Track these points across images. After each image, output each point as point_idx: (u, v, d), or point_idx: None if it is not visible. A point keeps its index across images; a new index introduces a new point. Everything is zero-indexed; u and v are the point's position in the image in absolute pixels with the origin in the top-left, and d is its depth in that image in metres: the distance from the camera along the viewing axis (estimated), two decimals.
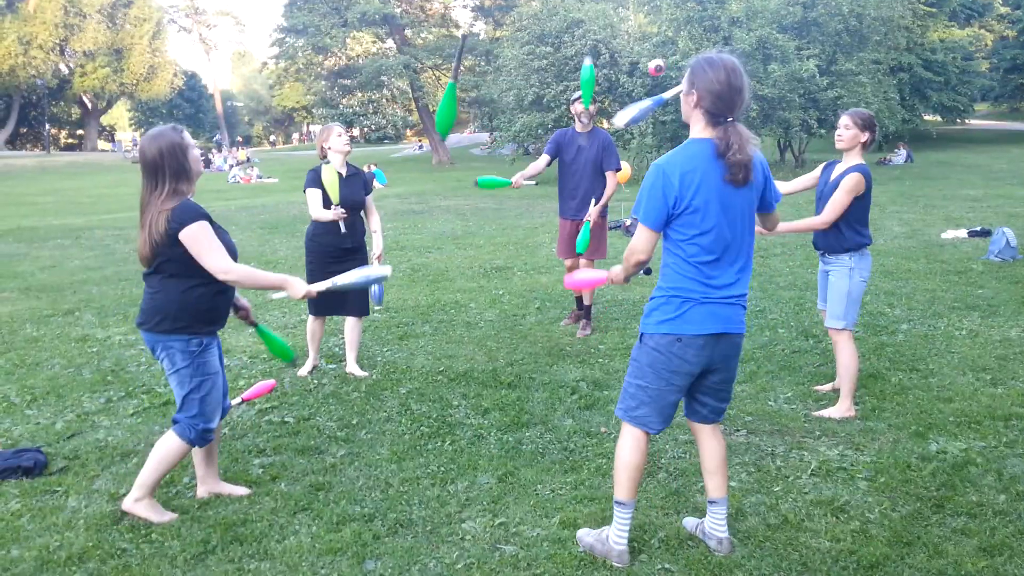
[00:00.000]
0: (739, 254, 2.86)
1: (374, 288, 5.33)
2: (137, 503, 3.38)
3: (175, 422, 3.37)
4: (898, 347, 5.63)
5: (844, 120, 4.38)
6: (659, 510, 3.37)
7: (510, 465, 3.85)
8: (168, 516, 3.41)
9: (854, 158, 4.36)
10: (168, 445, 3.36)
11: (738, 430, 4.24)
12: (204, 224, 3.18)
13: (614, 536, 2.99)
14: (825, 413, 4.42)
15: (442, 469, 3.84)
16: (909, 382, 4.92)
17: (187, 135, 3.29)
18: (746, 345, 5.77)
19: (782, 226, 4.18)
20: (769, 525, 3.23)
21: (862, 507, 3.36)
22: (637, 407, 2.93)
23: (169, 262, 3.21)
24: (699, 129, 2.83)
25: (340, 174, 5.20)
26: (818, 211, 4.43)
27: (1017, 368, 5.12)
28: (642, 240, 2.84)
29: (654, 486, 3.59)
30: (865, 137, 4.32)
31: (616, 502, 2.99)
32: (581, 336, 6.15)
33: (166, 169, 3.17)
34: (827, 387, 4.83)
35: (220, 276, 3.19)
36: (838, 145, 4.39)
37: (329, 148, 5.20)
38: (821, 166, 4.60)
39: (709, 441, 3.06)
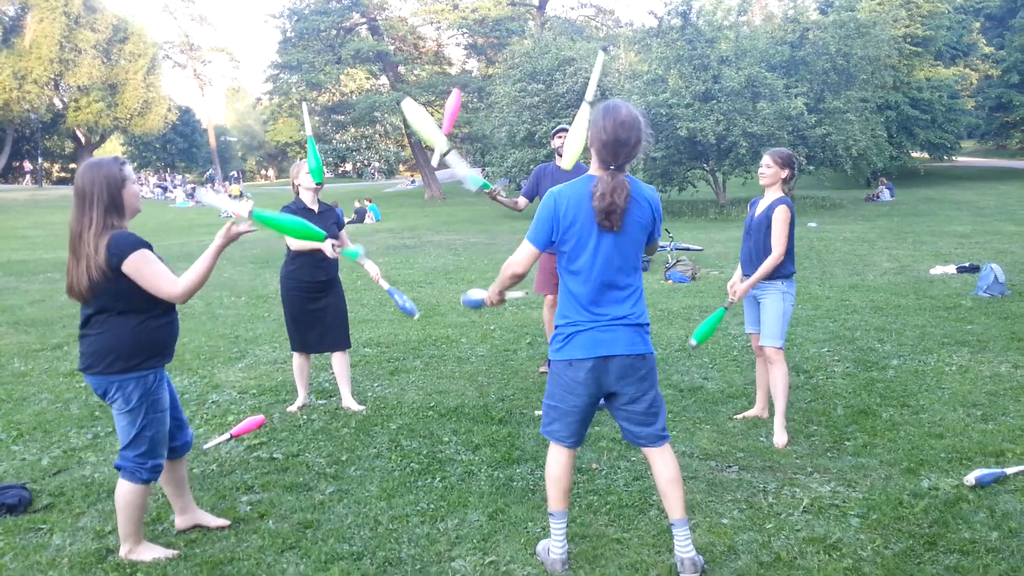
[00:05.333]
0: (617, 285, 3.02)
1: (401, 301, 5.08)
2: (131, 553, 3.34)
3: (119, 468, 3.26)
4: (888, 383, 5.64)
5: (765, 159, 4.68)
6: (651, 548, 3.34)
7: (501, 502, 3.82)
8: (170, 552, 3.36)
9: (775, 193, 4.68)
10: (124, 493, 3.27)
11: (730, 466, 4.23)
12: (145, 252, 3.08)
13: (552, 547, 3.19)
14: (779, 444, 4.53)
15: (432, 506, 3.81)
16: (900, 418, 4.92)
17: (128, 169, 3.18)
18: (737, 381, 5.78)
19: (751, 280, 4.61)
20: (761, 563, 3.21)
21: (855, 545, 3.34)
22: (550, 423, 3.17)
23: (115, 299, 3.10)
24: (595, 167, 3.04)
25: (313, 210, 5.22)
26: (747, 244, 4.77)
27: (1007, 404, 5.13)
28: (522, 254, 3.10)
29: (645, 524, 3.56)
30: (785, 173, 4.65)
31: (548, 514, 3.21)
32: (543, 370, 6.15)
33: (96, 201, 3.07)
34: (750, 414, 5.02)
35: (178, 300, 3.10)
36: (762, 181, 4.71)
37: (300, 185, 5.22)
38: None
39: (654, 463, 3.17)
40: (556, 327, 3.11)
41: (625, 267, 3.04)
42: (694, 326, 7.71)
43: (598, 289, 3.00)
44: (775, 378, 4.67)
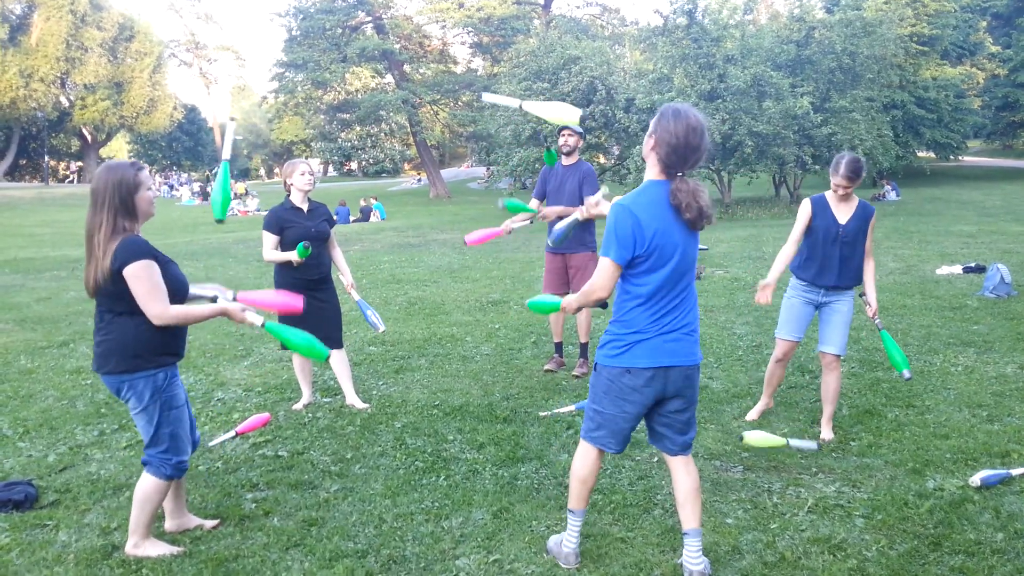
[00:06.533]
0: (684, 290, 3.01)
1: (370, 317, 5.35)
2: (136, 548, 3.35)
3: (145, 463, 3.31)
4: (894, 383, 5.63)
5: (848, 175, 4.41)
6: (655, 547, 3.34)
7: (505, 501, 3.82)
8: (175, 549, 3.38)
9: (851, 198, 4.58)
10: (146, 487, 3.31)
11: (735, 466, 4.22)
12: (149, 263, 3.11)
13: (566, 540, 3.22)
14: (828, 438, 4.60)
15: (436, 505, 3.81)
16: (905, 418, 4.91)
17: (144, 175, 3.21)
18: (743, 381, 5.77)
19: (873, 297, 4.62)
20: (766, 563, 3.20)
21: (859, 545, 3.34)
22: (596, 429, 3.12)
23: (117, 300, 3.14)
24: (655, 172, 2.97)
25: (302, 209, 5.24)
26: (835, 252, 4.53)
27: (1013, 404, 5.12)
28: (606, 278, 2.97)
29: (650, 523, 3.57)
30: (858, 181, 4.53)
31: (568, 510, 3.22)
32: (578, 374, 6.09)
33: (108, 203, 3.11)
34: (760, 409, 5.06)
35: (156, 321, 3.12)
36: (842, 194, 4.50)
37: (292, 185, 5.24)
38: (808, 205, 4.60)
39: (678, 473, 3.15)
40: (614, 333, 3.03)
41: (692, 273, 3.05)
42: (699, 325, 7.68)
43: (673, 297, 2.97)
44: (834, 384, 4.66)
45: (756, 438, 4.07)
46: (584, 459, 3.18)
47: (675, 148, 2.87)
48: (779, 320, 4.86)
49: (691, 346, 3.02)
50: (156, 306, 3.11)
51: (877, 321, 4.63)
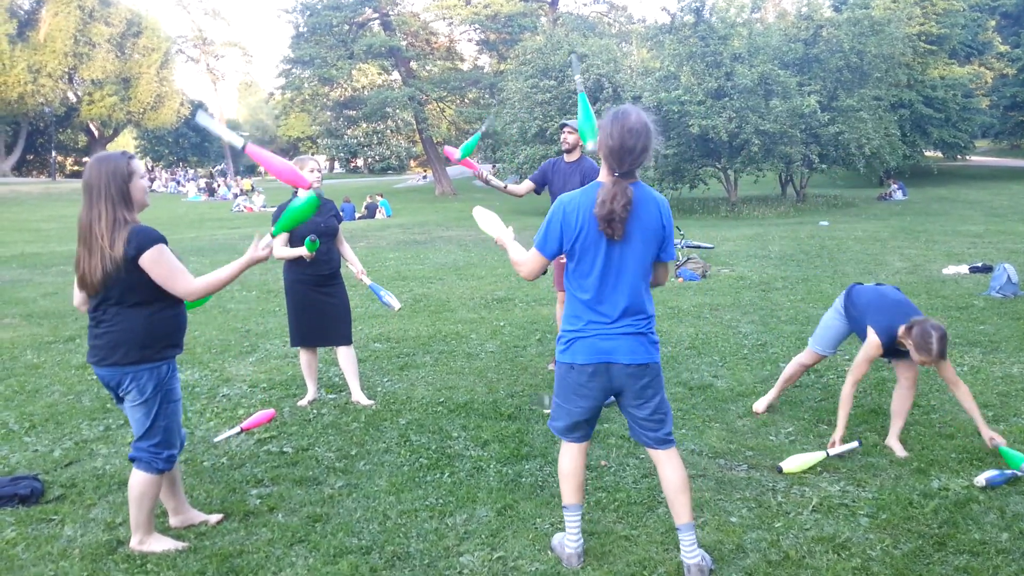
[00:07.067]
0: (623, 294, 3.00)
1: (383, 296, 5.37)
2: (142, 544, 3.37)
3: (134, 459, 3.30)
4: None
5: (943, 350, 4.13)
6: (659, 545, 3.34)
7: (509, 498, 3.83)
8: (179, 544, 3.40)
9: None
10: (139, 483, 3.30)
11: (739, 465, 4.22)
12: (163, 248, 3.15)
13: (567, 541, 3.23)
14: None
15: (440, 501, 3.82)
16: (911, 418, 4.89)
17: (135, 163, 3.22)
18: (748, 379, 5.76)
19: (982, 429, 4.23)
20: (770, 562, 3.20)
21: (864, 544, 3.34)
22: (556, 419, 3.23)
23: (130, 291, 3.14)
24: (604, 173, 3.01)
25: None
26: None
27: (1019, 405, 5.10)
28: (529, 261, 3.15)
29: (654, 521, 3.57)
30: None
31: (563, 507, 3.24)
32: None
33: (104, 193, 3.10)
34: (768, 401, 5.05)
35: (188, 298, 3.19)
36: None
37: None
38: (879, 350, 4.38)
39: (662, 468, 3.17)
40: (562, 330, 3.13)
41: (633, 276, 3.00)
42: (704, 324, 7.68)
43: (604, 297, 3.00)
44: (909, 396, 4.44)
45: (794, 464, 4.08)
46: (563, 454, 3.24)
47: (612, 149, 2.91)
48: (816, 330, 4.90)
49: (633, 344, 3.01)
50: (183, 284, 3.16)
51: (996, 442, 4.21)
